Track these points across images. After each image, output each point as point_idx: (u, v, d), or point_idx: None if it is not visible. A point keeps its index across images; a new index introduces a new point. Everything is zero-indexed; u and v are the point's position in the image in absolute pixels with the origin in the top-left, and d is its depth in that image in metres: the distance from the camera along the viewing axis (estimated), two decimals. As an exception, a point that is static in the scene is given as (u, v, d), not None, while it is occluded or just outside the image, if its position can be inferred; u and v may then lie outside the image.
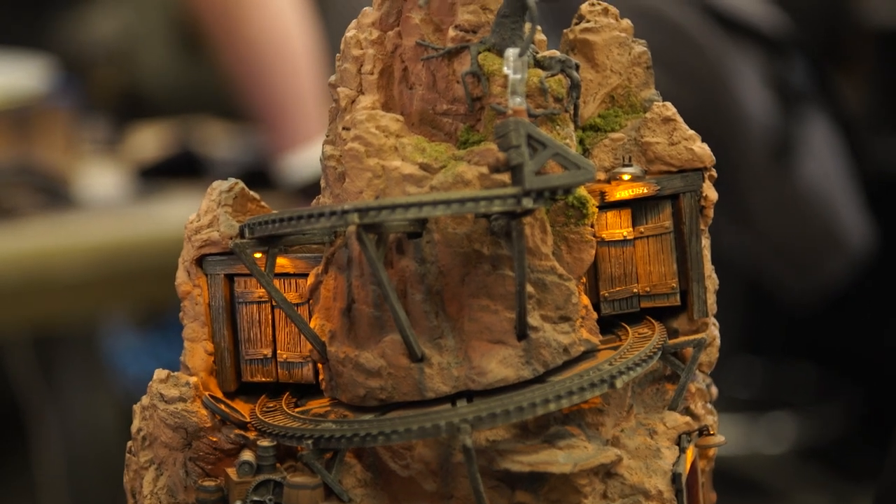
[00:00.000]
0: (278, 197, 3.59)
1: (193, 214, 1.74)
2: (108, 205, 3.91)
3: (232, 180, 1.76)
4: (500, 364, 1.55)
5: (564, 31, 1.77)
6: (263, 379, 1.73)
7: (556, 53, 1.65)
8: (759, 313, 4.88)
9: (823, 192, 3.78)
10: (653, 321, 1.70)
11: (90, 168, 4.18)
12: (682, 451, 1.64)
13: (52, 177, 3.87)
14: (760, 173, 3.74)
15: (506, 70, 1.56)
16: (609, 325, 1.69)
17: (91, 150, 4.46)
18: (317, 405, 1.67)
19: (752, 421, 4.71)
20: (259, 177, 3.83)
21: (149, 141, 4.44)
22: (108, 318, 4.53)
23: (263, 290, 1.69)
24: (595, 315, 1.63)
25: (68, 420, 4.29)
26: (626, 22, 1.77)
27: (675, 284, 1.70)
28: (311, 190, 3.24)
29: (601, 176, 1.69)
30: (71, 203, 3.84)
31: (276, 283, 1.67)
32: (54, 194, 3.81)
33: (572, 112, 1.66)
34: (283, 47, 3.94)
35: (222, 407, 1.66)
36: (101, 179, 4.09)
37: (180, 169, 4.08)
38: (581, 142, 1.71)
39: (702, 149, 1.70)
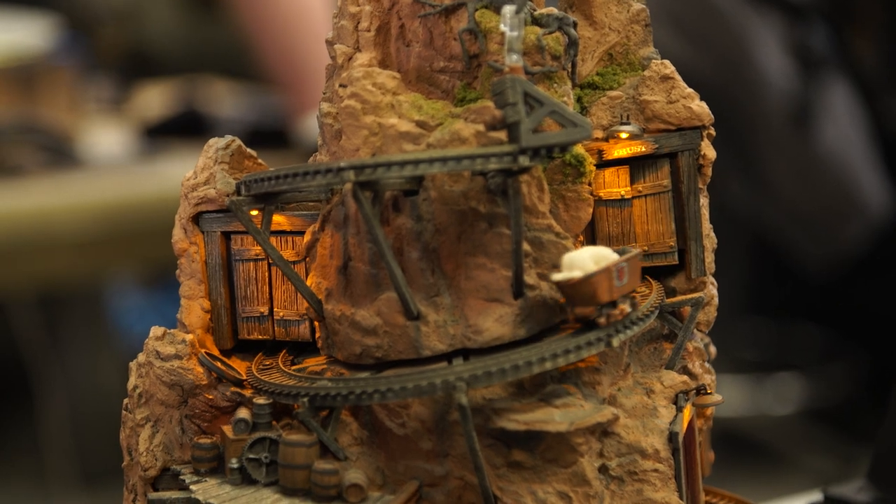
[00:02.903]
0: (295, 157, 3.60)
1: (190, 172, 1.73)
2: (113, 163, 3.91)
3: (229, 137, 1.75)
4: (497, 322, 1.54)
5: (563, -12, 1.76)
6: (260, 337, 1.73)
7: (554, 11, 1.64)
8: (767, 275, 4.87)
9: (843, 158, 3.77)
10: (650, 280, 1.69)
11: (95, 126, 4.19)
12: (679, 409, 1.64)
13: (56, 135, 3.87)
14: (780, 139, 3.73)
15: (503, 27, 1.56)
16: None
17: (96, 108, 4.47)
18: (313, 363, 1.67)
19: (758, 382, 4.70)
20: (273, 136, 3.83)
21: (154, 100, 4.43)
22: (113, 277, 4.53)
23: (260, 248, 1.68)
24: (592, 274, 1.62)
25: (73, 379, 4.30)
26: (625, -21, 1.76)
27: (672, 243, 1.70)
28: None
29: (599, 134, 1.68)
30: (75, 161, 3.84)
31: (273, 240, 1.67)
32: (59, 153, 3.82)
33: (570, 70, 1.65)
34: (301, 9, 3.94)
35: (218, 364, 1.66)
36: (105, 138, 4.09)
37: (185, 128, 4.08)
38: (579, 100, 1.70)
39: (700, 107, 1.68)
